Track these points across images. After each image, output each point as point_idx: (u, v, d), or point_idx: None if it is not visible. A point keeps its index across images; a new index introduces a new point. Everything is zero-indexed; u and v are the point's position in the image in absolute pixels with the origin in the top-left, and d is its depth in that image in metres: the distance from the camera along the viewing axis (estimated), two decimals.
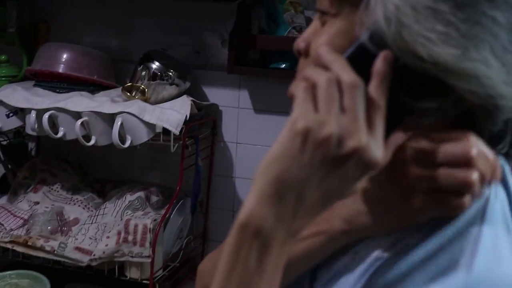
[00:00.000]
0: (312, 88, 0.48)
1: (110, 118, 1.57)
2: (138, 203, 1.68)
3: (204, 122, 1.78)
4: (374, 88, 0.48)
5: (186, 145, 1.64)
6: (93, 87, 1.75)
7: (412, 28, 0.47)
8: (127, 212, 1.65)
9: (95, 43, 1.89)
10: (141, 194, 1.71)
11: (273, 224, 0.48)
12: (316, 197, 0.49)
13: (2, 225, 1.70)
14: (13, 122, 1.69)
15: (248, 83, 1.79)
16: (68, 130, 1.61)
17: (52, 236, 1.67)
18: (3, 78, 1.83)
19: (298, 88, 0.49)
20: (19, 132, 1.90)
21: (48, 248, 1.60)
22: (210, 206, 1.87)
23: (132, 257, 1.57)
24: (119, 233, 1.57)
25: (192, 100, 1.66)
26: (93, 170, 1.96)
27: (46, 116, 1.59)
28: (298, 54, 0.61)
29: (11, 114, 1.67)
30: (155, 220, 1.60)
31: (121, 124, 1.55)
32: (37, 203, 1.76)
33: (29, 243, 1.61)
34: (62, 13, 1.94)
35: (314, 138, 0.47)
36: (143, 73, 1.68)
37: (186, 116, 1.59)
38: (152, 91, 1.67)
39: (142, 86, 1.66)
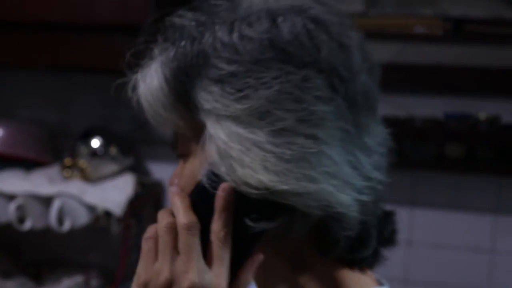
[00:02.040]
0: (155, 237, 0.51)
1: (47, 200, 1.48)
2: None
3: (149, 200, 1.70)
4: (215, 222, 0.51)
5: (129, 225, 1.56)
6: (29, 165, 1.65)
7: (240, 160, 0.49)
8: None
9: (32, 116, 1.79)
10: (79, 278, 1.60)
11: None
12: None
13: None
14: None
15: None
16: (0, 213, 1.50)
17: None
18: None
19: (143, 239, 0.52)
20: None
21: None
22: None
23: None
24: None
25: (135, 177, 1.59)
26: (28, 249, 1.82)
27: None
28: None
29: None
30: None
31: (60, 206, 1.45)
32: None
33: None
34: None
35: None
36: (83, 149, 1.60)
37: (129, 196, 1.51)
38: (92, 169, 1.59)
39: (82, 163, 1.58)
